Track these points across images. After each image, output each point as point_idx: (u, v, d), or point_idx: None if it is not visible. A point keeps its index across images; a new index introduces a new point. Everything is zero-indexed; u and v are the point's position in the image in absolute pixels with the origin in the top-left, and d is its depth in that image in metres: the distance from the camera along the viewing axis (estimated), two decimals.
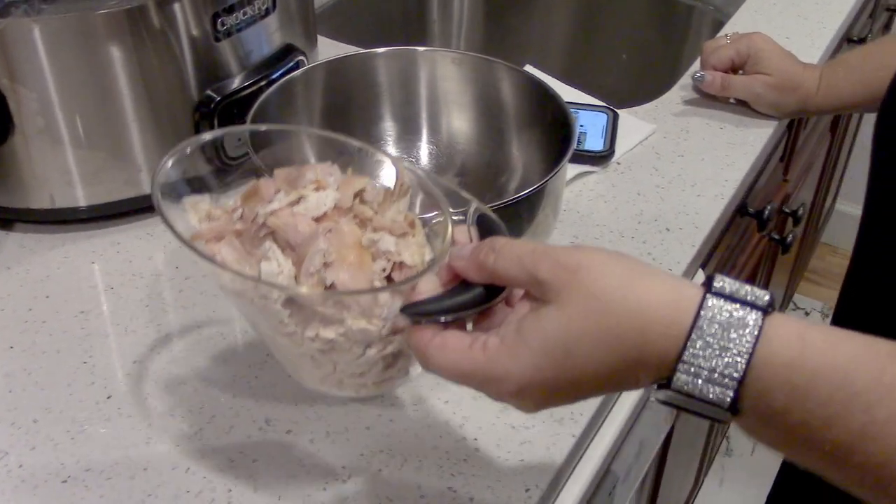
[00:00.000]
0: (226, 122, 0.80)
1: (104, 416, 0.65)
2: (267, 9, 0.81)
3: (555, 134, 0.75)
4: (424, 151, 0.85)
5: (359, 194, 0.54)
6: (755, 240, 1.28)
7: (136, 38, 0.73)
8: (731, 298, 0.42)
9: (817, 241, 2.39)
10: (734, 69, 0.98)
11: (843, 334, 0.42)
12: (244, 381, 0.68)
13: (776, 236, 1.36)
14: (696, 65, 1.04)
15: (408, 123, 0.84)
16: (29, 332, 0.71)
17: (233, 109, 0.80)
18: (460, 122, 0.83)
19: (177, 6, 0.73)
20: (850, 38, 1.42)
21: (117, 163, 0.78)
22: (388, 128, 0.85)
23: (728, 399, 0.41)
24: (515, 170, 0.80)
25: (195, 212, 0.55)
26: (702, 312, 0.42)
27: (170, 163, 0.56)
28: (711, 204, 0.86)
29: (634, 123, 0.95)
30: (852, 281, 0.81)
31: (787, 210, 1.41)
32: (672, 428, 1.08)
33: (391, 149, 0.84)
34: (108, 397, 0.66)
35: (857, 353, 0.41)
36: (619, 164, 0.91)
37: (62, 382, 0.67)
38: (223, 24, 0.77)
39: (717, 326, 0.41)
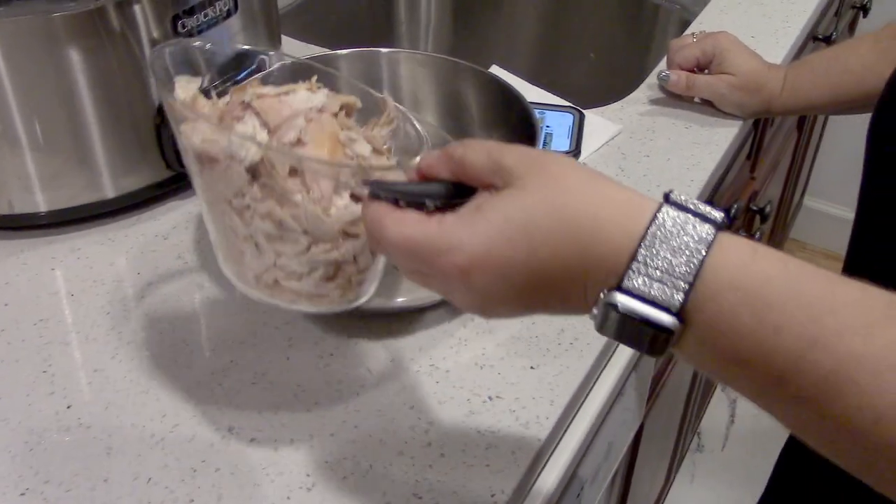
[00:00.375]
0: None
1: (63, 427, 0.64)
2: (228, 10, 0.80)
3: (520, 135, 0.75)
4: None
5: (346, 108, 0.54)
6: None
7: (96, 41, 0.72)
8: (687, 209, 0.42)
9: (786, 238, 2.41)
10: (700, 68, 0.98)
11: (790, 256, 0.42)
12: (207, 389, 0.67)
13: (744, 234, 1.37)
14: (663, 63, 1.04)
15: None
16: None
17: None
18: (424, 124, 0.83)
19: (136, 8, 0.72)
20: (815, 37, 1.43)
21: (77, 167, 0.77)
22: None
23: (678, 301, 0.41)
24: None
25: (184, 91, 0.54)
26: (658, 216, 0.42)
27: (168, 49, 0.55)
28: None
29: (601, 123, 0.95)
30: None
31: (755, 207, 1.42)
32: (642, 426, 1.09)
33: None
34: (68, 407, 0.65)
35: (807, 268, 0.41)
36: (584, 164, 0.91)
37: (20, 392, 0.66)
38: (184, 27, 0.76)
39: (672, 230, 0.41)
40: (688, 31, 1.09)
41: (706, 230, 0.41)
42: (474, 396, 0.67)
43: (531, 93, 1.01)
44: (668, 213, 0.42)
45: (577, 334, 0.72)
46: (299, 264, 0.50)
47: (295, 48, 1.06)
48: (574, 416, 0.70)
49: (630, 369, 0.79)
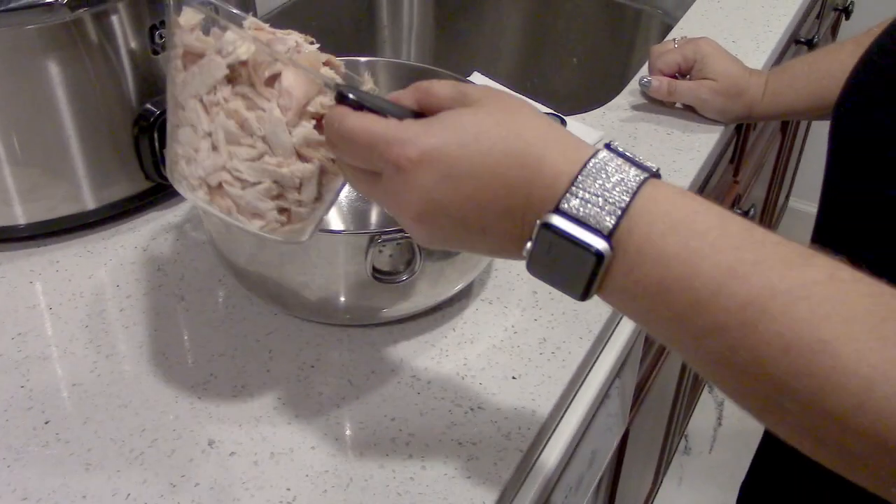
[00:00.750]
0: (165, 136, 0.78)
1: (41, 442, 0.63)
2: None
3: None
4: None
5: (330, 62, 0.56)
6: None
7: (72, 53, 0.71)
8: (627, 157, 0.45)
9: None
10: (681, 73, 0.98)
11: None
12: (187, 402, 0.66)
13: None
14: (645, 69, 1.04)
15: None
16: None
17: None
18: None
19: (114, 18, 0.72)
20: (797, 40, 1.43)
21: (56, 179, 0.76)
22: None
23: (609, 224, 0.43)
24: None
25: (186, 20, 0.53)
26: (600, 154, 0.45)
27: None
28: None
29: (582, 130, 0.95)
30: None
31: (739, 211, 1.42)
32: (627, 431, 1.09)
33: None
34: (47, 422, 0.65)
35: (733, 214, 0.44)
36: None
37: None
38: (161, 37, 0.76)
39: (610, 165, 0.44)
40: (669, 37, 1.09)
41: (642, 172, 0.45)
42: (456, 407, 0.66)
43: None
44: (610, 154, 0.45)
45: (559, 343, 0.72)
46: (248, 170, 0.51)
47: None
48: (556, 425, 0.70)
49: (613, 376, 0.78)
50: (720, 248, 0.42)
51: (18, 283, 0.76)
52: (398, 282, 0.65)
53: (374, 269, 0.65)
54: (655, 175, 0.45)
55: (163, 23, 0.75)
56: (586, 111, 1.00)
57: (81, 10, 0.68)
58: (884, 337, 0.39)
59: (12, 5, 0.66)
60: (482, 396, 0.67)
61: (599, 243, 0.44)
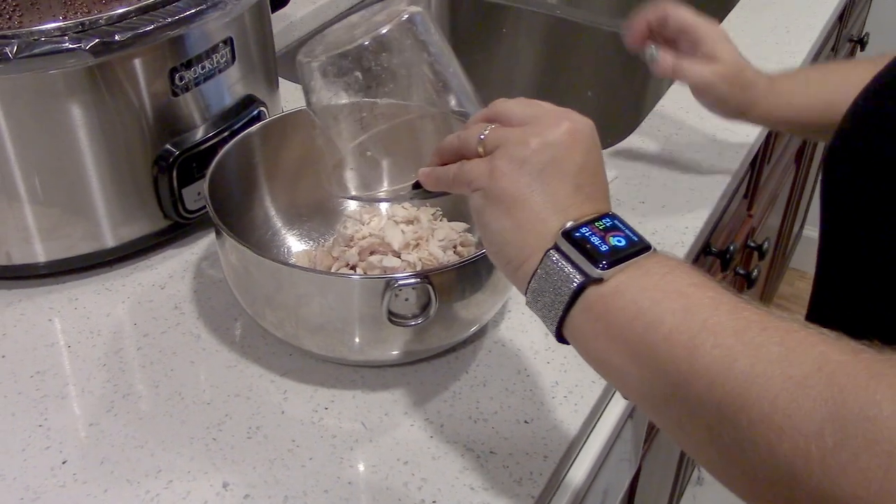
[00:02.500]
0: (185, 176, 0.79)
1: (59, 483, 0.64)
2: (226, 61, 0.81)
3: None
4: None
5: None
6: (719, 277, 1.29)
7: (95, 96, 0.72)
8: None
9: (785, 267, 2.41)
10: (652, 34, 0.89)
11: None
12: (202, 443, 0.67)
13: (741, 271, 1.37)
14: (661, 102, 1.05)
15: (369, 171, 0.84)
16: None
17: (192, 163, 0.79)
18: (407, 164, 0.83)
19: (136, 62, 0.73)
20: None
21: (76, 218, 0.77)
22: (350, 177, 0.85)
23: (604, 273, 0.49)
24: None
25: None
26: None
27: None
28: (672, 252, 0.86)
29: None
30: (816, 303, 0.80)
31: (753, 244, 1.42)
32: (639, 467, 1.09)
33: (339, 195, 0.84)
34: (64, 462, 0.65)
35: (707, 283, 0.48)
36: None
37: (16, 447, 0.66)
38: (181, 80, 0.77)
39: (620, 224, 0.52)
40: None
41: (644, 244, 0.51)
42: (468, 452, 0.67)
43: None
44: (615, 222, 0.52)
45: (571, 387, 0.72)
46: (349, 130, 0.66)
47: (291, 92, 1.07)
48: (568, 469, 0.70)
49: (625, 418, 0.79)
50: (692, 312, 0.47)
51: (37, 320, 0.77)
52: (413, 325, 0.66)
53: (390, 313, 0.65)
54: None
55: (184, 65, 0.76)
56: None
57: (104, 56, 0.69)
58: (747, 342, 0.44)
59: (36, 51, 0.67)
60: (494, 441, 0.68)
61: (594, 271, 0.48)
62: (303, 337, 0.70)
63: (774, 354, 0.42)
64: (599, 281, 0.48)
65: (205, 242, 0.85)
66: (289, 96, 1.04)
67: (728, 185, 0.97)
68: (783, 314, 0.46)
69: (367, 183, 0.75)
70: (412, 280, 0.64)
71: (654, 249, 0.50)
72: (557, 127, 0.52)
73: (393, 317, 0.65)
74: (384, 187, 0.70)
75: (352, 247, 0.75)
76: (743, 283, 1.46)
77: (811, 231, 2.44)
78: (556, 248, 0.50)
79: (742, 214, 1.34)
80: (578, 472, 0.71)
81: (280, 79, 0.96)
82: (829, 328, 0.44)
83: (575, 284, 0.49)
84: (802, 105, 0.86)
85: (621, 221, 0.51)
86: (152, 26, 0.71)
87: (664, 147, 1.02)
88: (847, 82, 0.80)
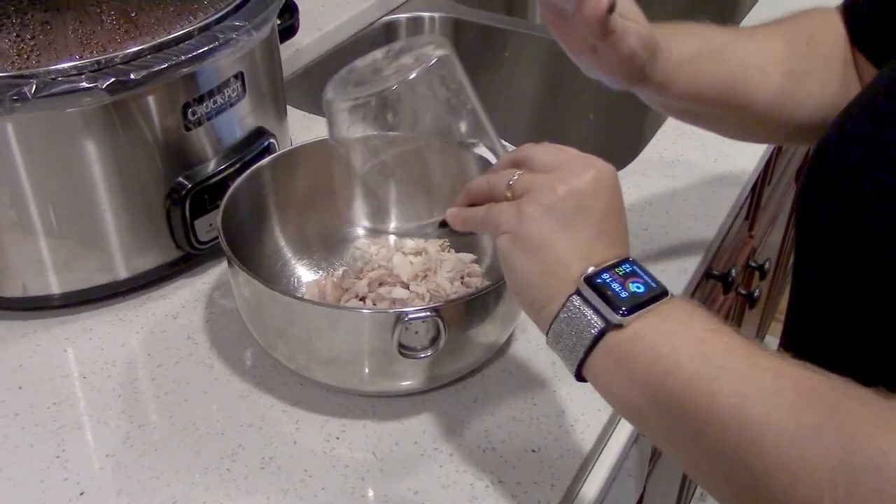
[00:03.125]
0: (197, 208, 0.81)
1: None
2: (237, 95, 0.82)
3: None
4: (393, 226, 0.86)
5: None
6: (721, 299, 1.30)
7: (109, 132, 0.74)
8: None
9: (786, 283, 2.43)
10: None
11: None
12: (216, 474, 0.68)
13: (743, 291, 1.39)
14: (663, 128, 1.06)
15: (376, 201, 0.86)
16: (1, 426, 0.72)
17: (204, 195, 0.81)
18: (429, 204, 0.85)
19: (150, 99, 0.75)
20: None
21: (90, 250, 0.79)
22: (359, 207, 0.86)
23: (625, 319, 0.51)
24: (485, 252, 0.82)
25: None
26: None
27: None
28: (675, 279, 0.88)
29: None
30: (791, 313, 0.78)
31: (754, 264, 1.44)
32: (644, 487, 1.10)
33: (364, 225, 0.85)
34: (81, 493, 0.67)
35: (727, 336, 0.50)
36: None
37: (34, 479, 0.68)
38: (194, 114, 0.78)
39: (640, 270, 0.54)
40: None
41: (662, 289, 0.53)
42: (477, 481, 0.68)
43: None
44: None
45: (577, 416, 0.73)
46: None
47: (299, 120, 1.09)
48: (577, 494, 0.72)
49: (631, 443, 0.80)
50: (709, 359, 0.49)
51: (53, 351, 0.79)
52: (423, 357, 0.68)
53: (401, 345, 0.67)
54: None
55: (196, 100, 0.78)
56: None
57: (120, 94, 0.71)
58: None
59: (54, 90, 0.69)
60: (502, 470, 0.69)
61: (614, 317, 0.51)
62: (314, 369, 0.71)
63: (788, 403, 0.44)
64: (620, 326, 0.50)
65: (216, 272, 0.87)
66: (296, 124, 1.06)
67: (729, 213, 0.98)
68: (795, 361, 0.47)
69: (384, 211, 0.77)
70: (422, 314, 0.65)
71: (671, 294, 0.52)
72: (583, 175, 0.54)
73: (403, 349, 0.67)
74: (405, 219, 0.73)
75: (361, 279, 0.77)
76: (745, 304, 1.47)
77: None
78: (579, 293, 0.52)
79: (743, 235, 1.36)
80: (587, 495, 0.72)
81: (289, 107, 0.98)
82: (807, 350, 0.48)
83: (596, 330, 0.51)
84: (705, 81, 0.74)
85: (640, 267, 0.53)
86: (166, 64, 0.73)
87: (666, 173, 1.03)
88: (745, 67, 0.75)
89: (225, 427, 0.72)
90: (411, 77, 0.63)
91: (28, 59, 0.71)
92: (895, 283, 0.59)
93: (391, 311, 0.66)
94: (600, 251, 0.53)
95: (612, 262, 0.53)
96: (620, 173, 1.03)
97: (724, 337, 0.49)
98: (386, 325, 0.66)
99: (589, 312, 0.52)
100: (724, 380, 0.47)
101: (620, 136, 1.35)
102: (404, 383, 0.71)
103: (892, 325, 0.60)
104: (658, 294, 0.52)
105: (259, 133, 0.86)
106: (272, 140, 0.87)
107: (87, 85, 0.69)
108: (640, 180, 1.02)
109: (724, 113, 0.78)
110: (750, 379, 0.47)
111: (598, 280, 0.52)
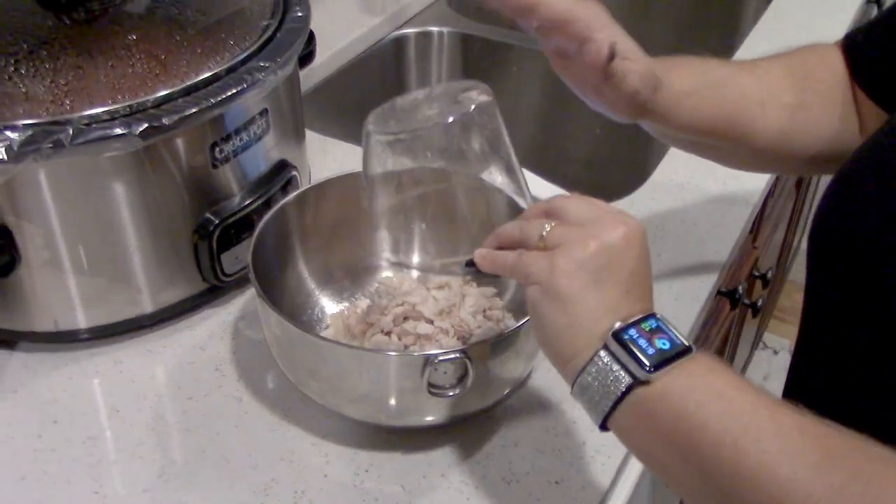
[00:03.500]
0: (224, 242, 0.83)
1: None
2: (262, 131, 0.84)
3: None
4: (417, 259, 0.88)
5: None
6: (727, 313, 1.33)
7: (139, 174, 0.76)
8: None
9: (784, 280, 2.45)
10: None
11: None
12: None
13: (746, 301, 1.41)
14: (671, 151, 1.08)
15: (402, 234, 0.88)
16: (39, 461, 0.74)
17: (230, 230, 0.83)
18: (455, 242, 0.87)
19: (179, 142, 0.77)
20: None
21: (119, 286, 0.81)
22: (383, 240, 0.88)
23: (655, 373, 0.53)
24: (506, 287, 0.84)
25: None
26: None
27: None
28: (689, 307, 0.90)
29: None
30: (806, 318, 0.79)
31: (757, 273, 1.46)
32: None
33: (387, 258, 0.87)
34: None
35: (746, 388, 0.53)
36: None
37: None
38: (221, 153, 0.80)
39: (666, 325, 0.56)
40: None
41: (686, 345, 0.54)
42: None
43: (543, 190, 1.06)
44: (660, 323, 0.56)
45: (598, 447, 0.76)
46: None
47: (314, 142, 1.10)
48: None
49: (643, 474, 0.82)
50: (735, 416, 0.51)
51: (84, 384, 0.80)
52: (451, 396, 0.70)
53: (430, 385, 0.69)
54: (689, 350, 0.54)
55: (223, 139, 0.80)
56: (610, 193, 1.04)
57: (152, 139, 0.73)
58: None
59: (91, 136, 0.70)
60: (528, 503, 0.71)
61: (641, 374, 0.53)
62: (344, 406, 0.73)
63: (814, 461, 0.46)
64: (646, 382, 0.52)
65: (240, 302, 0.89)
66: (312, 146, 1.07)
67: (740, 236, 1.01)
68: (815, 418, 0.49)
69: (409, 245, 0.80)
70: (452, 356, 0.67)
71: (695, 350, 0.54)
72: (615, 231, 0.55)
73: (432, 389, 0.69)
74: (430, 255, 0.75)
75: (386, 314, 0.79)
76: (747, 312, 1.50)
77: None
78: (606, 348, 0.54)
79: (747, 248, 1.38)
80: None
81: (306, 131, 0.99)
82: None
83: (624, 385, 0.53)
84: (706, 113, 0.77)
85: (664, 323, 0.55)
86: (196, 108, 0.74)
87: (676, 197, 1.05)
88: (743, 98, 0.77)
89: (256, 461, 0.74)
90: (450, 120, 0.65)
91: (61, 105, 0.72)
92: None
93: (420, 353, 0.68)
94: (627, 307, 0.55)
95: (638, 317, 0.55)
96: (632, 197, 1.06)
97: (748, 395, 0.51)
98: (416, 367, 0.68)
99: (616, 368, 0.53)
100: (751, 438, 0.49)
101: (627, 151, 1.37)
102: (431, 418, 0.74)
103: None
104: (683, 350, 0.54)
105: (282, 166, 0.88)
106: (295, 173, 0.89)
107: (122, 131, 0.71)
108: (650, 205, 1.05)
109: (726, 144, 0.80)
110: (776, 437, 0.49)
111: (626, 336, 0.54)
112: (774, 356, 2.35)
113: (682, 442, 0.51)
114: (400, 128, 0.67)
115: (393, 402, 0.71)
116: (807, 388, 0.76)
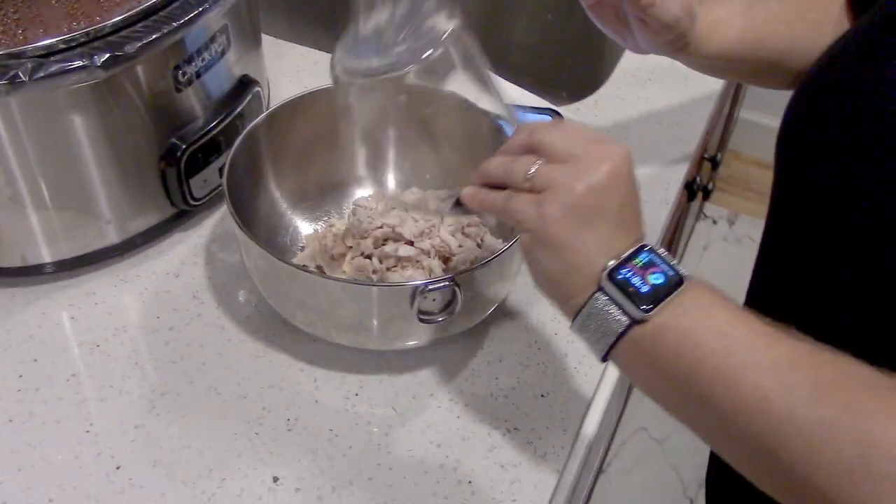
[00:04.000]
0: (192, 167, 0.80)
1: (117, 489, 0.68)
2: (223, 49, 0.81)
3: None
4: (391, 176, 0.88)
5: None
6: (684, 203, 1.35)
7: (101, 105, 0.73)
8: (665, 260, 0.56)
9: (724, 150, 2.49)
10: None
11: None
12: (246, 439, 0.71)
13: (698, 183, 1.43)
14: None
15: (375, 149, 0.87)
16: (25, 401, 0.73)
17: (197, 154, 0.80)
18: (426, 155, 0.86)
19: (140, 69, 0.73)
20: None
21: (85, 220, 0.78)
22: (358, 154, 0.87)
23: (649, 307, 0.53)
24: None
25: None
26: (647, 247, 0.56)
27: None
28: (657, 210, 0.92)
29: None
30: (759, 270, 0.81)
31: (707, 156, 1.48)
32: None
33: (362, 173, 0.86)
34: (118, 468, 0.69)
35: (742, 313, 0.54)
36: None
37: (69, 455, 0.70)
38: (184, 75, 0.77)
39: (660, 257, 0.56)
40: None
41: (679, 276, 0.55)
42: (494, 430, 0.73)
43: (508, 92, 1.04)
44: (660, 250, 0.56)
45: (580, 358, 0.78)
46: None
47: (269, 47, 1.06)
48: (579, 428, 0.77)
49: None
50: (730, 352, 0.51)
51: (60, 318, 0.79)
52: (441, 321, 0.70)
53: (420, 312, 0.69)
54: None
55: (185, 61, 0.76)
56: (562, 82, 1.02)
57: (114, 69, 0.69)
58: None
59: (51, 70, 0.67)
60: (516, 417, 0.74)
61: (637, 314, 0.53)
62: (332, 334, 0.73)
63: (807, 396, 0.48)
64: (643, 322, 0.53)
65: (210, 224, 0.87)
66: (269, 52, 1.03)
67: (704, 129, 1.01)
68: (811, 345, 0.51)
69: (385, 164, 0.79)
70: (441, 284, 0.67)
71: (687, 279, 0.55)
72: (600, 167, 0.55)
73: (422, 315, 0.70)
74: (414, 184, 0.74)
75: (366, 237, 0.78)
76: (698, 194, 1.52)
77: (748, 114, 2.51)
78: (602, 289, 0.54)
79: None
80: (588, 429, 0.76)
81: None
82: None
83: (621, 326, 0.54)
84: (730, 41, 0.79)
85: (657, 254, 0.55)
86: (159, 33, 0.71)
87: (639, 94, 1.05)
88: (769, 21, 0.80)
89: (246, 390, 0.75)
90: (422, 59, 0.63)
91: (14, 35, 0.68)
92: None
93: (410, 283, 0.68)
94: (620, 242, 0.56)
95: (630, 250, 0.55)
96: (596, 96, 1.05)
97: (742, 327, 0.52)
98: (406, 297, 0.68)
99: (613, 309, 0.54)
100: (748, 374, 0.50)
101: (580, 39, 1.35)
102: (419, 341, 0.75)
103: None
104: (677, 282, 0.54)
105: (245, 82, 0.85)
106: (258, 88, 0.86)
107: (82, 63, 0.67)
108: (614, 102, 1.04)
109: (763, 66, 0.81)
110: (770, 371, 0.50)
111: (620, 276, 0.54)
112: (714, 226, 2.41)
113: (681, 378, 0.53)
114: (369, 70, 0.65)
115: (382, 329, 0.71)
116: (773, 288, 0.78)
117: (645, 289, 0.53)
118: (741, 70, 0.84)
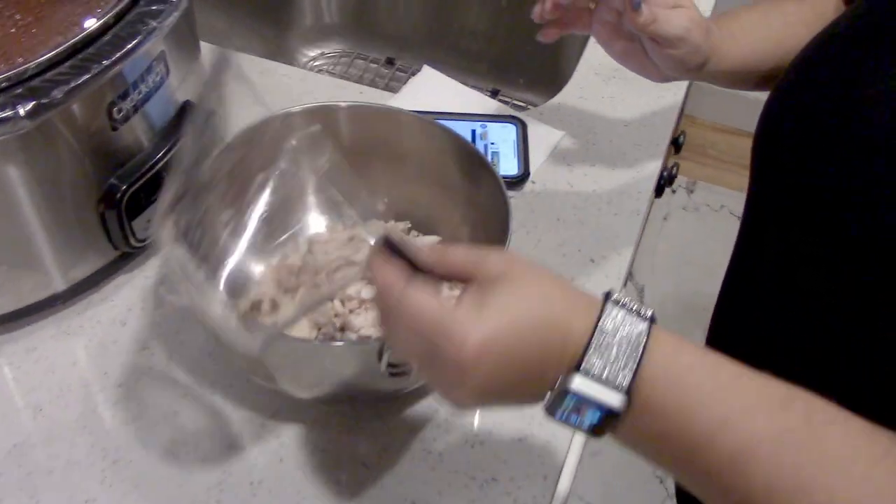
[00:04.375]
0: (133, 208, 0.74)
1: None
2: (161, 77, 0.74)
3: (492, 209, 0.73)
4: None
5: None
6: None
7: (30, 154, 0.66)
8: (628, 308, 0.50)
9: (681, 116, 2.46)
10: None
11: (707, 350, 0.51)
12: None
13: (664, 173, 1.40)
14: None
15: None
16: None
17: (139, 193, 0.74)
18: (385, 173, 0.81)
19: (74, 108, 0.67)
20: None
21: (25, 272, 0.72)
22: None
23: (626, 381, 0.48)
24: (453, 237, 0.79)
25: None
26: (610, 312, 0.50)
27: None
28: (628, 222, 0.88)
29: (543, 132, 0.94)
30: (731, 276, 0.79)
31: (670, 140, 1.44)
32: None
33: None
34: None
35: (720, 359, 0.49)
36: (533, 182, 0.90)
37: None
38: (119, 112, 0.71)
39: (619, 324, 0.50)
40: None
41: (644, 327, 0.49)
42: (470, 481, 0.69)
43: (468, 98, 0.99)
44: (617, 310, 0.50)
45: None
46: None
47: (207, 54, 0.99)
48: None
49: None
50: (713, 401, 0.48)
51: None
52: (410, 372, 0.66)
53: (390, 366, 0.65)
54: (653, 321, 0.50)
55: (120, 96, 0.70)
56: (518, 70, 0.97)
57: (42, 116, 0.63)
58: (852, 476, 0.45)
59: None
60: (494, 465, 0.70)
61: (617, 399, 0.48)
62: (297, 391, 0.69)
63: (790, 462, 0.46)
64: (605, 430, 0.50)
65: (155, 263, 0.81)
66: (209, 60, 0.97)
67: (671, 133, 0.97)
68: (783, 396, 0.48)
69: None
70: None
71: (628, 398, 0.48)
72: (462, 382, 0.49)
73: (392, 369, 0.65)
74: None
75: (319, 273, 0.73)
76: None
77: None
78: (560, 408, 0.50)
79: None
80: (563, 483, 0.73)
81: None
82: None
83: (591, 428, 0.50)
84: (750, 50, 0.78)
85: (582, 392, 0.49)
86: (89, 74, 0.64)
87: (604, 95, 1.00)
88: (787, 24, 0.78)
89: (204, 453, 0.70)
90: None
91: None
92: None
93: (376, 340, 0.63)
94: (536, 394, 0.51)
95: (551, 400, 0.50)
96: (559, 97, 1.00)
97: (707, 383, 0.49)
98: (372, 353, 0.63)
99: (585, 410, 0.50)
100: (727, 430, 0.48)
101: (536, 25, 1.29)
102: (387, 390, 0.70)
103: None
104: (610, 410, 0.49)
105: (187, 108, 0.79)
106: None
107: (6, 114, 0.61)
108: (578, 104, 1.00)
109: (777, 72, 0.76)
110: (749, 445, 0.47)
111: (558, 418, 0.50)
112: (673, 196, 2.38)
113: (663, 462, 0.51)
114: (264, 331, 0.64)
115: (350, 385, 0.67)
116: (751, 287, 0.74)
117: (587, 424, 0.50)
118: (766, 77, 0.79)
